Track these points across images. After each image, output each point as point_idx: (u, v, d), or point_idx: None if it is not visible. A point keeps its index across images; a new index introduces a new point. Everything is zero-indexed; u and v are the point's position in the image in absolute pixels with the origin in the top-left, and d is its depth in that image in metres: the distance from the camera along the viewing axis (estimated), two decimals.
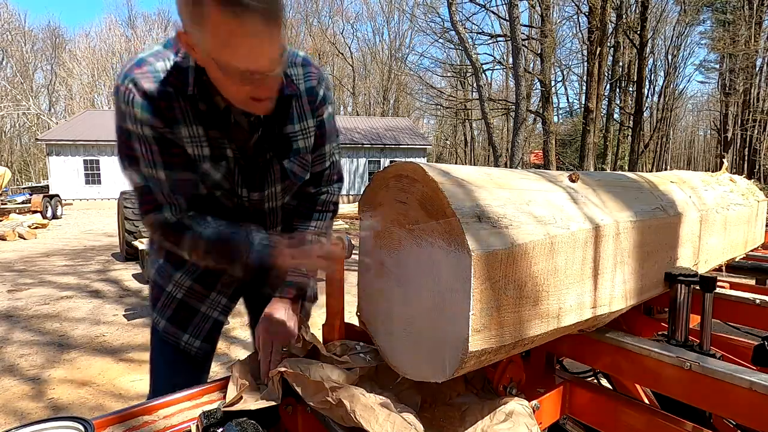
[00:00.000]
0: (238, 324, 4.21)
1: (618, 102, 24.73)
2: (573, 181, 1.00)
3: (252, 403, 0.88)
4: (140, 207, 1.04)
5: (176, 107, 0.96)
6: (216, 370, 3.31)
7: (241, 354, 3.50)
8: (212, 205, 1.12)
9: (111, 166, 23.05)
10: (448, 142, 44.48)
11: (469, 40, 16.48)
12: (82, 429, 0.79)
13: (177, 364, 1.27)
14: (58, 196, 17.29)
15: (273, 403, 0.88)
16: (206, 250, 1.02)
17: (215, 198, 1.10)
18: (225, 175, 1.06)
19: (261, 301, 1.42)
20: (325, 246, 0.95)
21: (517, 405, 0.85)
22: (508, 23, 15.49)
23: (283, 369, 0.89)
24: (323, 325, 1.13)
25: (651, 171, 14.16)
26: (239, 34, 0.78)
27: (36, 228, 12.79)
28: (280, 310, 1.09)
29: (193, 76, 0.95)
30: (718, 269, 1.56)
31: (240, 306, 1.45)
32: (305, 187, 1.22)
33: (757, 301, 1.23)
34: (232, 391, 0.93)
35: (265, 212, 1.18)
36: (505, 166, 9.90)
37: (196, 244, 1.02)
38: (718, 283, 1.18)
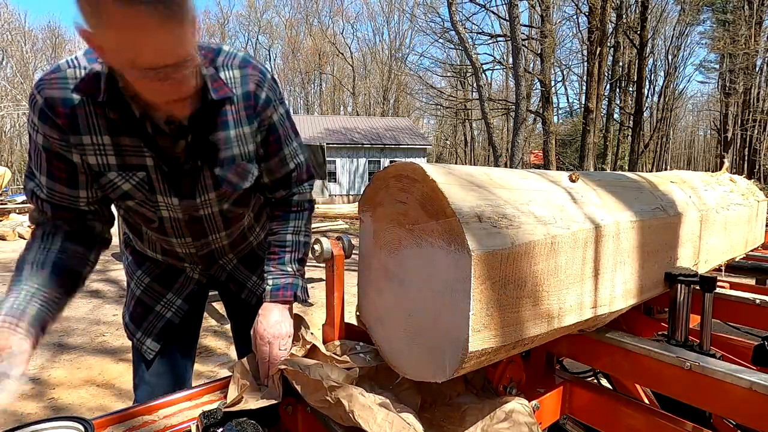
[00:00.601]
0: None
1: (618, 102, 24.72)
2: (573, 181, 1.00)
3: (253, 403, 0.88)
4: (25, 190, 1.05)
5: (80, 115, 0.94)
6: (216, 370, 3.32)
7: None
8: (136, 214, 1.13)
9: None
10: (448, 142, 44.50)
11: (469, 40, 16.49)
12: (82, 429, 0.80)
13: (139, 360, 1.32)
14: None
15: (274, 402, 0.88)
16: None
17: (131, 208, 1.10)
18: (139, 185, 1.03)
19: (242, 307, 1.42)
20: None
21: (517, 404, 0.85)
22: (508, 23, 15.49)
23: (283, 367, 0.89)
24: (323, 325, 1.13)
25: (651, 171, 14.16)
26: (126, 25, 0.74)
27: None
28: (274, 312, 1.09)
29: (104, 82, 0.91)
30: (718, 269, 1.56)
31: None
32: (276, 191, 1.21)
33: (757, 301, 1.23)
34: (233, 392, 0.93)
35: (202, 218, 1.16)
36: (505, 166, 9.88)
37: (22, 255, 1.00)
38: (718, 283, 1.18)
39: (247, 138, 1.08)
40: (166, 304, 1.30)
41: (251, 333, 1.07)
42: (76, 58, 0.95)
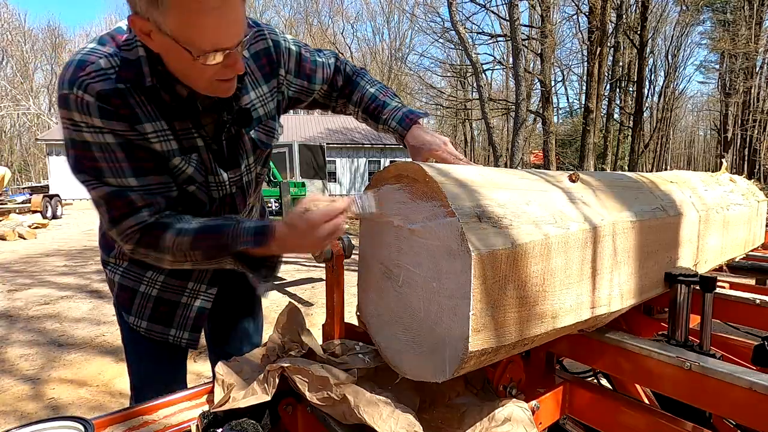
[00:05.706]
0: None
1: (618, 102, 24.74)
2: (573, 181, 1.00)
3: (241, 401, 0.87)
4: (109, 214, 0.95)
5: (133, 104, 0.90)
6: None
7: None
8: (187, 202, 1.08)
9: None
10: None
11: (469, 40, 16.47)
12: (82, 429, 0.79)
13: (160, 359, 1.27)
14: (58, 196, 17.26)
15: (263, 399, 0.86)
16: (192, 244, 0.94)
17: (189, 194, 1.06)
18: (198, 167, 1.03)
19: (224, 320, 1.40)
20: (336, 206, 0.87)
21: (516, 408, 0.85)
22: (508, 23, 15.50)
23: (286, 365, 0.88)
24: (323, 325, 1.13)
25: (651, 171, 14.16)
26: (205, 9, 0.75)
27: (36, 228, 12.78)
28: (421, 132, 1.16)
29: (147, 67, 0.89)
30: (718, 269, 1.56)
31: None
32: (335, 85, 1.25)
33: (757, 301, 1.22)
34: (218, 392, 0.91)
35: (244, 186, 1.16)
36: (505, 166, 9.90)
37: (179, 241, 0.94)
38: (718, 283, 1.18)
39: (266, 97, 1.10)
40: (191, 294, 1.23)
41: (423, 144, 1.13)
42: (96, 49, 0.90)
